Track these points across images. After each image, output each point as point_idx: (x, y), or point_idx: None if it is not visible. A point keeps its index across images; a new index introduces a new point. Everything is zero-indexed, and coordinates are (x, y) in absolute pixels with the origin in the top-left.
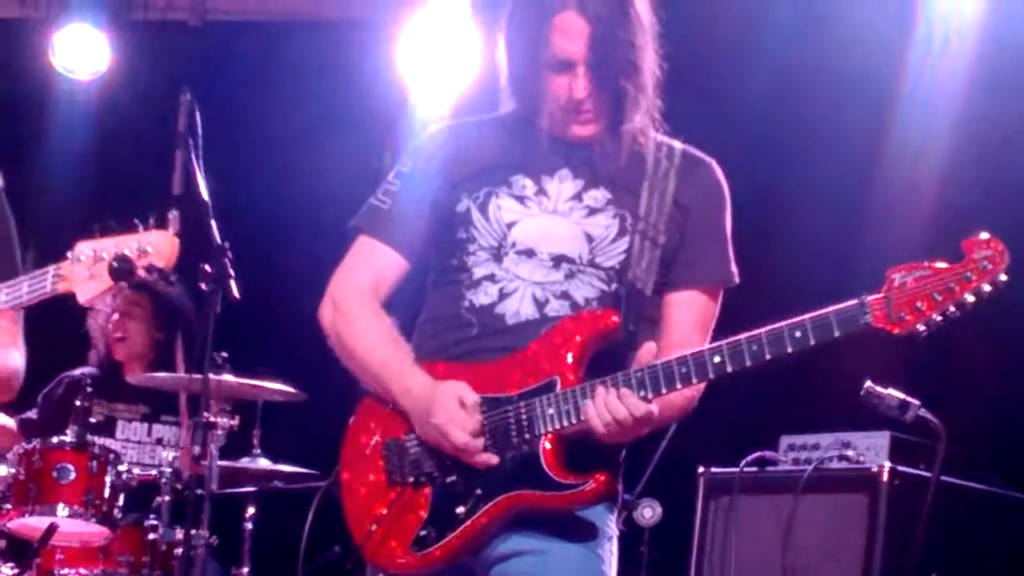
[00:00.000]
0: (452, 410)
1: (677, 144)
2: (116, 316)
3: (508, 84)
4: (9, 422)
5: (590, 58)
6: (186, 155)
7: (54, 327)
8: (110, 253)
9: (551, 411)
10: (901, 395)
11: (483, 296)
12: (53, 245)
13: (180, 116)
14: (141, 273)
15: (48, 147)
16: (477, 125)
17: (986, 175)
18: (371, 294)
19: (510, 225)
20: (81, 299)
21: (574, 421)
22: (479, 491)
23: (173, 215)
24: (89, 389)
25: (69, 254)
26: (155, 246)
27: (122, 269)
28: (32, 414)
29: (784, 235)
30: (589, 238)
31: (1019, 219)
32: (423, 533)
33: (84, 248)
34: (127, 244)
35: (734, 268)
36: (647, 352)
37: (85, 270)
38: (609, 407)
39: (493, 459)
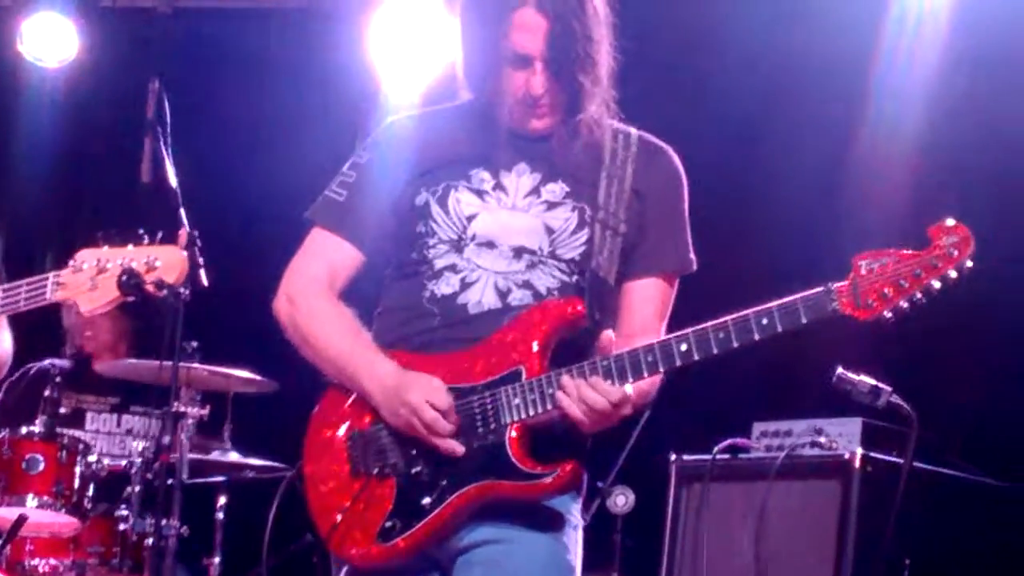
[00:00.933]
0: (425, 388)
1: (633, 131)
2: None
3: (465, 76)
4: None
5: (547, 54)
6: (155, 143)
7: (27, 318)
8: (116, 266)
9: (517, 401)
10: (873, 381)
11: (445, 286)
12: (22, 234)
13: (149, 104)
14: (150, 288)
15: (16, 135)
16: (434, 116)
17: (959, 159)
18: (326, 285)
19: (470, 218)
20: (84, 310)
21: (540, 410)
22: (445, 481)
23: (183, 232)
24: (58, 379)
25: (71, 262)
26: (164, 260)
27: (131, 284)
28: None
29: (757, 221)
30: (549, 230)
31: (992, 203)
32: (388, 524)
33: (87, 257)
34: (136, 256)
35: (692, 255)
36: (607, 340)
37: (87, 280)
38: (583, 396)
39: (459, 448)
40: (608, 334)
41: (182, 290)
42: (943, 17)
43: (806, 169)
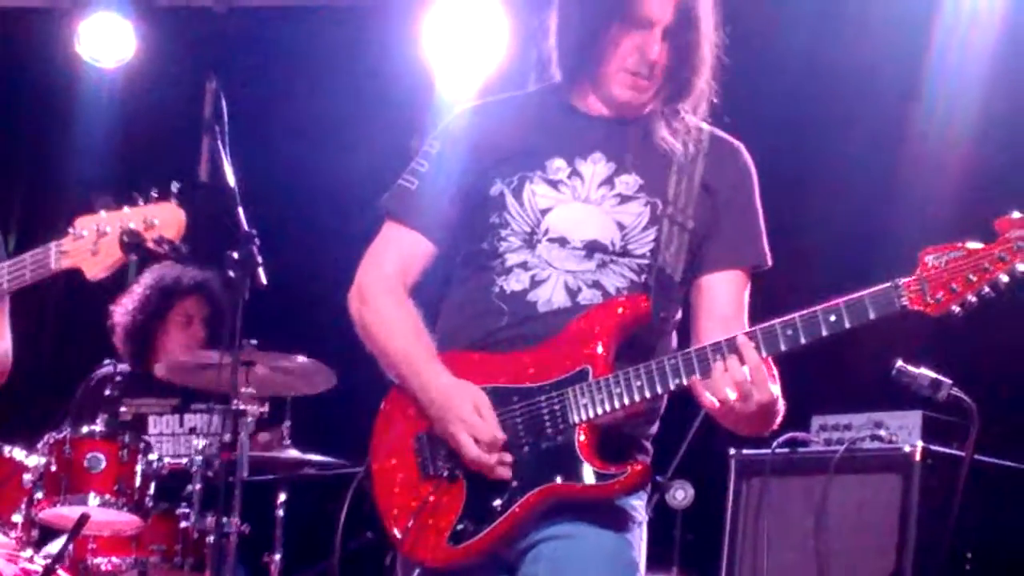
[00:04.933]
0: (467, 419)
1: (705, 126)
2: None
3: (564, 45)
4: None
5: (672, 24)
6: (212, 142)
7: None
8: (115, 227)
9: (584, 400)
10: (933, 374)
11: (515, 283)
12: None
13: (206, 103)
14: (151, 245)
15: (74, 136)
16: (506, 104)
17: (1015, 151)
18: (398, 281)
19: (544, 211)
20: (89, 275)
21: (608, 409)
22: (515, 483)
23: (175, 186)
24: (119, 378)
25: (70, 230)
26: (161, 218)
27: (132, 243)
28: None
29: (811, 217)
30: (621, 226)
31: None
32: (460, 527)
33: (86, 223)
34: (132, 218)
35: (767, 249)
36: None
37: (89, 245)
38: (730, 369)
39: (507, 474)
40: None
41: (182, 246)
42: (997, 9)
43: (861, 165)
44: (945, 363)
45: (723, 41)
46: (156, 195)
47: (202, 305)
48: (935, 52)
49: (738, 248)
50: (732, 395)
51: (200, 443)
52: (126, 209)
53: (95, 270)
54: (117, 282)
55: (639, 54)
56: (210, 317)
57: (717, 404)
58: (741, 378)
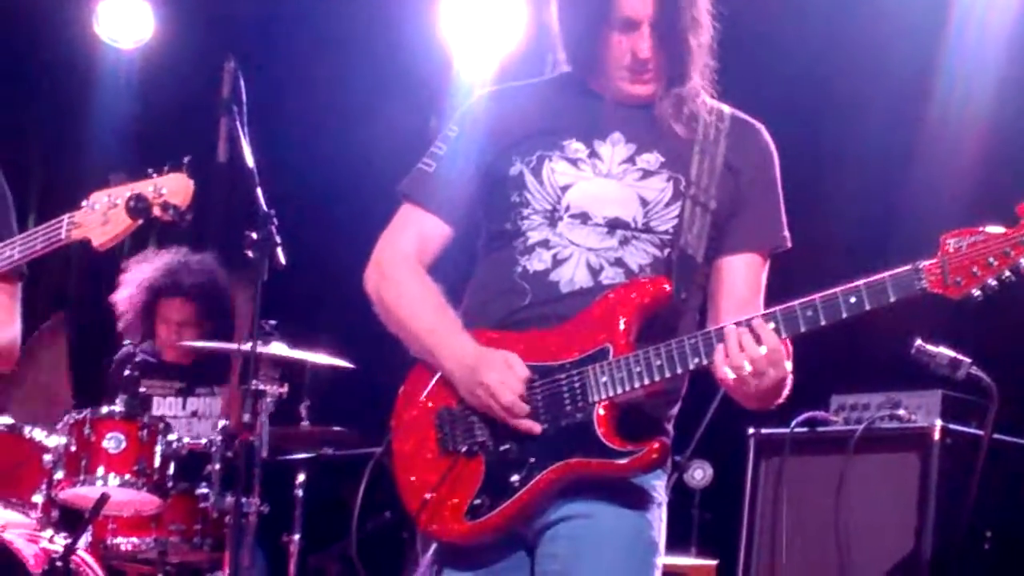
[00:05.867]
0: (499, 370)
1: (726, 108)
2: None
3: (564, 44)
4: None
5: (656, 18)
6: (231, 123)
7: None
8: (124, 198)
9: (604, 379)
10: (952, 353)
11: (537, 262)
12: None
13: (224, 84)
14: (157, 211)
15: (93, 117)
16: (525, 89)
17: None
18: (416, 259)
19: (564, 188)
20: (96, 243)
21: (628, 388)
22: (533, 459)
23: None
24: (138, 359)
25: (84, 203)
26: (170, 188)
27: (139, 208)
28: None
29: (829, 199)
30: (644, 202)
31: None
32: (477, 502)
33: (99, 196)
34: (142, 187)
35: (786, 232)
36: None
37: (99, 216)
38: (746, 347)
39: (536, 427)
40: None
41: (187, 213)
42: None
43: (878, 148)
44: (964, 342)
45: (717, 13)
46: (168, 168)
47: (186, 309)
48: (952, 32)
49: (759, 231)
50: (748, 370)
51: (207, 426)
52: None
53: (102, 239)
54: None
55: (632, 55)
56: (195, 319)
57: (732, 378)
58: (757, 356)
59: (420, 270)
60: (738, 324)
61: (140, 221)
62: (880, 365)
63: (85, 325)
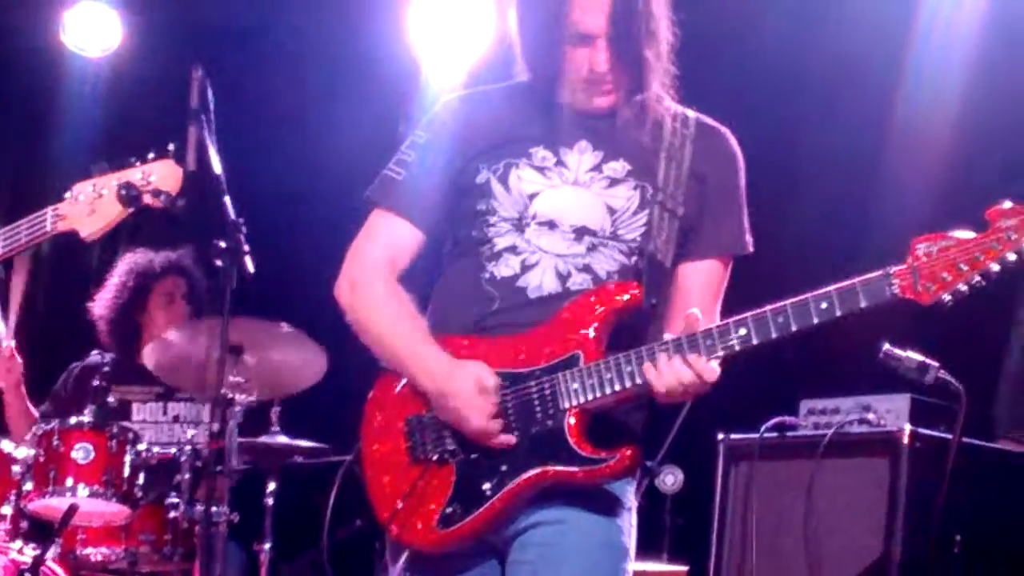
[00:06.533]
0: (469, 394)
1: (691, 113)
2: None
3: (523, 58)
4: None
5: (611, 31)
6: (199, 130)
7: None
8: (111, 187)
9: (575, 385)
10: (920, 357)
11: (504, 268)
12: None
13: (192, 92)
14: (148, 199)
15: (60, 125)
16: (492, 94)
17: (999, 139)
18: (387, 269)
19: (532, 196)
20: (84, 234)
21: (599, 395)
22: (504, 467)
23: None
24: (106, 369)
25: (67, 194)
26: (158, 174)
27: (130, 196)
28: (46, 408)
29: (796, 205)
30: (611, 210)
31: None
32: (449, 510)
33: (82, 187)
34: (130, 175)
35: (749, 237)
36: (693, 319)
37: (85, 207)
38: (676, 373)
39: (511, 440)
40: (695, 312)
41: (179, 199)
42: None
43: (846, 152)
44: (932, 346)
45: (685, 17)
46: (153, 155)
47: (180, 283)
48: (918, 39)
49: (721, 237)
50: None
51: (188, 432)
52: (123, 171)
53: (90, 230)
54: (102, 273)
55: (588, 68)
56: (190, 292)
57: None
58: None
59: (392, 281)
60: (706, 334)
61: (131, 209)
62: (849, 370)
63: (53, 329)
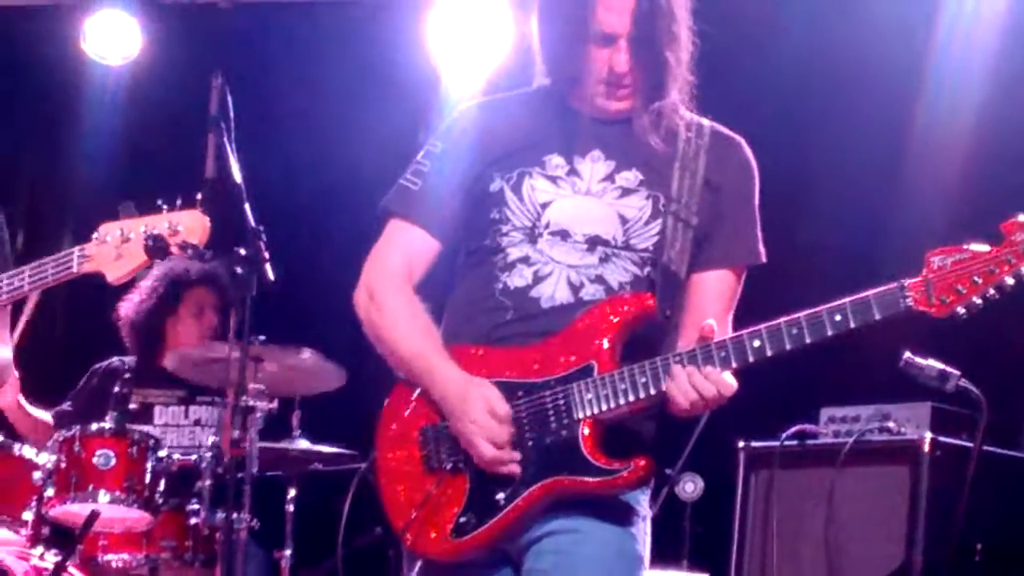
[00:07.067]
0: (481, 420)
1: (705, 122)
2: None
3: (543, 58)
4: None
5: (634, 32)
6: (219, 139)
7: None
8: (139, 234)
9: (589, 396)
10: (941, 365)
11: (517, 279)
12: (87, 232)
13: (212, 99)
14: (175, 250)
15: (81, 134)
16: (507, 102)
17: (1018, 150)
18: (404, 279)
19: (544, 205)
20: (111, 278)
21: (613, 405)
22: (518, 477)
23: (201, 196)
24: (127, 375)
25: (94, 235)
26: (185, 225)
27: (157, 247)
28: (67, 406)
29: (813, 214)
30: (623, 220)
31: None
32: (463, 520)
33: (110, 228)
34: (158, 223)
35: (762, 247)
36: (708, 330)
37: (112, 250)
38: (695, 385)
39: (516, 471)
40: (711, 323)
41: (206, 252)
42: (1000, 4)
43: (862, 163)
44: (953, 354)
45: (701, 25)
46: (180, 203)
47: (212, 295)
48: (939, 46)
49: (733, 247)
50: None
51: (209, 438)
52: (151, 216)
53: (117, 274)
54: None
55: (609, 69)
56: (221, 306)
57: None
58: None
59: (409, 292)
60: (720, 345)
61: (158, 259)
62: (870, 378)
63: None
